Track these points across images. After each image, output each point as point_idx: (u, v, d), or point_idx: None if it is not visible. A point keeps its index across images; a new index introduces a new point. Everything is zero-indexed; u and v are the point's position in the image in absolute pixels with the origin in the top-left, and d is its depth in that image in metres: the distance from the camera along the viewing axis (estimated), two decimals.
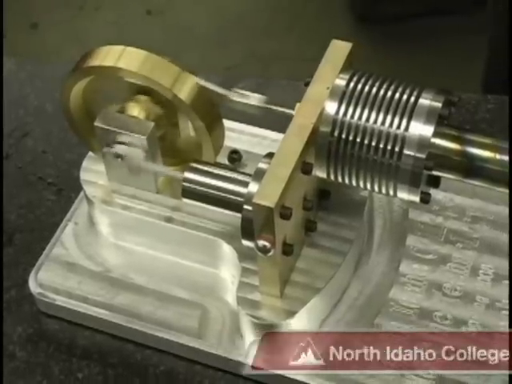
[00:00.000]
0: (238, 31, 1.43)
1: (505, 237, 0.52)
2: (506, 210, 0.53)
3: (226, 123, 0.54)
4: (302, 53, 1.43)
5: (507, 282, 0.50)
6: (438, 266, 0.52)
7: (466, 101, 0.60)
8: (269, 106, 0.49)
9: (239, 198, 0.47)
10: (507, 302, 0.50)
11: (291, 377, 0.48)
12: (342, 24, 1.39)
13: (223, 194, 0.48)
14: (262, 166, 0.46)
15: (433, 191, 0.49)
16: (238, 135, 0.56)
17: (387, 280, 0.51)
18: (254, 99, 0.49)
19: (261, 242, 0.45)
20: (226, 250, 0.50)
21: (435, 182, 0.48)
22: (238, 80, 0.63)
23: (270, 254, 0.45)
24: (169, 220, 0.51)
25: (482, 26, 1.09)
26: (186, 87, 0.48)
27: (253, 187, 0.46)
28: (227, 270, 0.51)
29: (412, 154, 0.45)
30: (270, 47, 1.38)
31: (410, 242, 0.53)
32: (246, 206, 0.46)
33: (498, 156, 0.45)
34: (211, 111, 0.49)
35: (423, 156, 0.45)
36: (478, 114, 0.59)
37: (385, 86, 0.46)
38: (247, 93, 0.49)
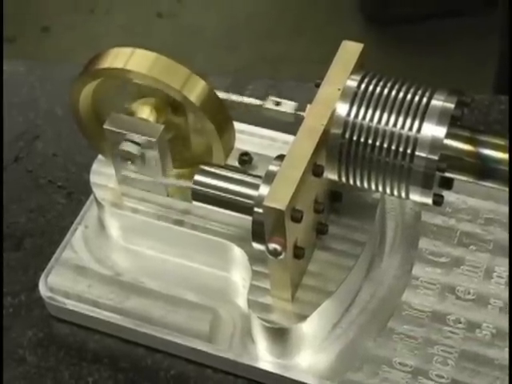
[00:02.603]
0: (247, 33, 1.43)
1: None
2: None
3: (236, 125, 0.53)
4: (311, 55, 1.42)
5: None
6: (451, 268, 0.51)
7: (478, 102, 0.59)
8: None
9: (250, 201, 0.46)
10: None
11: (304, 381, 0.48)
12: (351, 25, 1.38)
13: (234, 197, 0.47)
14: (272, 168, 0.46)
15: (445, 193, 0.48)
16: (248, 137, 0.55)
17: (400, 283, 0.51)
18: (284, 105, 0.48)
19: (272, 245, 0.44)
20: (237, 253, 0.50)
21: (448, 184, 0.47)
22: (247, 82, 0.62)
23: (281, 257, 0.44)
24: (179, 223, 0.51)
25: (494, 27, 1.08)
26: (196, 89, 0.47)
27: (263, 190, 0.45)
28: (238, 274, 0.50)
29: (424, 155, 0.44)
30: (279, 49, 1.38)
31: (422, 245, 0.52)
32: (256, 209, 0.45)
33: None
34: (221, 113, 0.48)
35: (436, 157, 0.44)
36: (490, 115, 0.59)
37: (396, 87, 0.46)
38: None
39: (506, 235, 0.52)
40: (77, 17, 1.43)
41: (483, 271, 0.51)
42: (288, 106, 0.48)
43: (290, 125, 0.49)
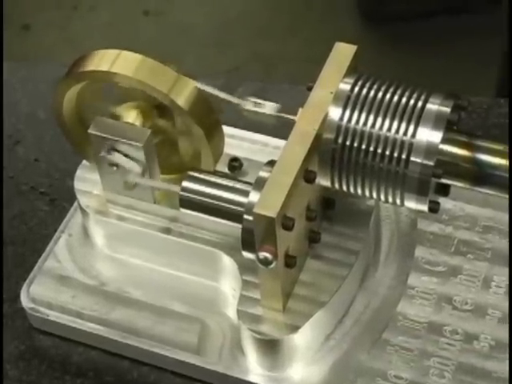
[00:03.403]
0: (239, 32, 1.44)
1: None
2: None
3: (226, 130, 0.55)
4: (306, 54, 1.43)
5: None
6: (448, 278, 0.52)
7: (477, 105, 0.60)
8: (268, 112, 0.49)
9: (239, 208, 0.47)
10: None
11: None
12: (347, 24, 1.40)
13: (223, 204, 0.48)
14: (263, 174, 0.47)
15: (442, 200, 0.49)
16: (238, 142, 0.56)
17: (395, 293, 0.52)
18: (264, 106, 0.49)
19: (262, 254, 0.45)
20: (227, 262, 0.51)
21: (444, 191, 0.48)
22: (238, 84, 0.63)
23: (272, 266, 0.45)
24: (166, 231, 0.52)
25: (497, 25, 1.09)
26: (184, 92, 0.48)
27: (253, 196, 0.46)
28: (228, 283, 0.52)
29: (419, 161, 0.45)
30: (273, 49, 1.39)
31: (418, 254, 0.53)
32: (246, 216, 0.46)
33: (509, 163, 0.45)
34: (210, 117, 0.49)
35: (431, 163, 0.45)
36: (489, 118, 0.60)
37: (391, 91, 0.47)
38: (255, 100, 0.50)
39: (504, 243, 0.53)
40: (59, 14, 1.44)
41: (481, 281, 0.52)
42: (269, 108, 0.49)
43: (282, 129, 0.50)
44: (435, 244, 0.53)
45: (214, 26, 1.46)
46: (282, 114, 0.50)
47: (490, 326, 0.50)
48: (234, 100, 0.50)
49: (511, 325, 0.50)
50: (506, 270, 0.52)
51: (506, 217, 0.54)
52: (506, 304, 0.51)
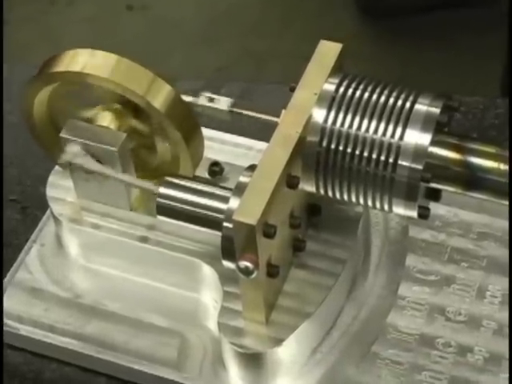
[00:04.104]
0: (229, 28, 1.45)
1: None
2: None
3: (207, 133, 0.56)
4: (301, 51, 1.44)
5: None
6: (440, 287, 0.53)
7: (472, 105, 0.62)
8: (251, 114, 0.51)
9: (219, 215, 0.49)
10: None
11: None
12: (344, 18, 1.41)
13: (202, 211, 0.49)
14: (243, 179, 0.48)
15: (434, 206, 0.50)
16: (220, 146, 0.58)
17: (385, 304, 0.53)
18: (223, 104, 0.51)
19: (243, 263, 0.46)
20: (207, 272, 0.52)
21: (435, 196, 0.49)
22: (221, 85, 0.64)
23: (253, 275, 0.46)
24: (144, 240, 0.53)
25: (497, 19, 1.11)
26: (160, 94, 0.49)
27: (233, 203, 0.47)
28: (208, 295, 0.53)
29: (408, 164, 0.46)
30: (265, 45, 1.40)
31: (410, 262, 0.54)
32: (226, 224, 0.47)
33: (501, 166, 0.46)
34: (188, 120, 0.50)
35: (420, 167, 0.46)
36: (486, 119, 0.61)
37: (378, 91, 0.48)
38: (225, 99, 0.51)
39: (500, 251, 0.54)
40: (35, 8, 1.45)
41: (475, 290, 0.53)
42: (222, 103, 0.50)
43: (268, 132, 0.51)
44: (427, 252, 0.55)
45: (201, 21, 1.47)
46: (264, 116, 0.52)
47: (484, 337, 0.51)
48: (188, 98, 0.51)
49: (511, 325, 0.51)
50: (502, 279, 0.53)
51: (502, 223, 0.55)
52: (502, 315, 0.52)
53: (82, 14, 1.46)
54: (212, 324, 0.52)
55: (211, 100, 0.52)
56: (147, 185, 0.51)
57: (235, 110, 0.52)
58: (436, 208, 0.54)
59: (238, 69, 1.39)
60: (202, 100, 0.52)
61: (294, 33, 1.42)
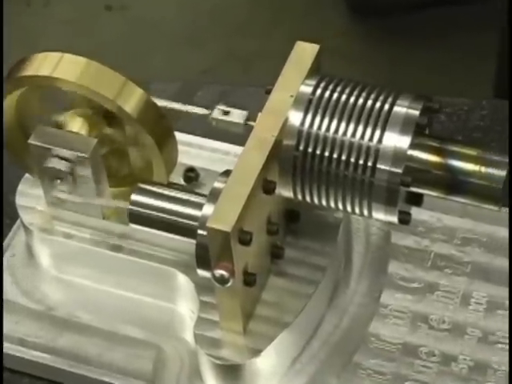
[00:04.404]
0: (214, 28, 1.46)
1: (499, 260, 0.55)
2: (501, 231, 0.56)
3: (183, 137, 0.57)
4: (288, 52, 1.46)
5: (502, 311, 0.53)
6: (423, 295, 0.54)
7: (457, 106, 0.63)
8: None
9: (193, 222, 0.49)
10: (502, 334, 0.52)
11: None
12: (332, 17, 1.42)
13: (175, 218, 0.50)
14: (217, 185, 0.49)
15: (417, 211, 0.51)
16: (197, 151, 0.59)
17: (367, 312, 0.54)
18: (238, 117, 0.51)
19: (218, 272, 0.47)
20: (182, 281, 0.53)
21: (417, 200, 0.50)
22: (197, 88, 0.65)
23: (229, 284, 0.47)
24: (117, 249, 0.54)
25: (490, 17, 1.12)
26: (132, 98, 0.50)
27: (207, 209, 0.48)
28: (184, 305, 0.54)
29: (387, 168, 0.48)
30: (251, 46, 1.41)
31: (392, 269, 0.55)
32: (200, 231, 0.48)
33: (483, 169, 0.47)
34: (161, 125, 0.51)
35: (399, 170, 0.47)
36: (470, 121, 0.62)
37: (356, 93, 0.49)
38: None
39: (485, 257, 0.55)
40: (10, 9, 1.46)
41: (460, 297, 0.54)
42: (237, 116, 0.51)
43: (245, 137, 0.52)
44: (410, 258, 0.56)
45: (184, 21, 1.48)
46: (250, 123, 0.53)
47: (469, 346, 0.52)
48: (202, 111, 0.52)
49: (511, 326, 0.52)
50: (487, 285, 0.54)
51: (487, 227, 0.56)
52: (487, 322, 0.53)
53: (58, 15, 1.47)
54: (188, 335, 0.53)
55: (226, 113, 0.52)
56: (120, 203, 0.52)
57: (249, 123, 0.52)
58: (419, 213, 0.55)
59: (223, 71, 1.39)
60: (216, 113, 0.52)
61: (281, 33, 1.43)
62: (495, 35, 1.10)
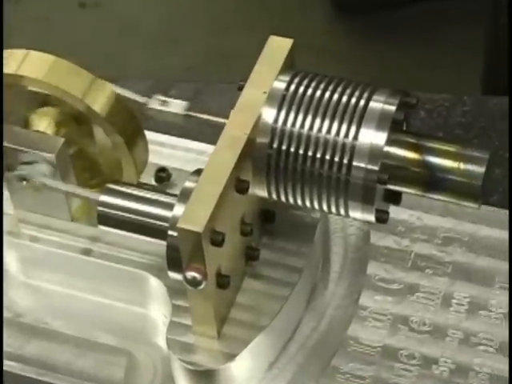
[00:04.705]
0: (193, 25, 1.47)
1: (481, 260, 0.56)
2: (483, 230, 0.57)
3: (156, 137, 0.58)
4: None
5: (484, 312, 0.54)
6: (404, 296, 0.55)
7: (438, 102, 0.64)
8: (196, 115, 0.52)
9: (163, 223, 0.50)
10: (484, 335, 0.54)
11: None
12: (316, 14, 1.44)
13: (145, 219, 0.51)
14: (188, 184, 0.50)
15: (397, 210, 0.52)
16: (170, 151, 0.60)
17: (345, 314, 0.55)
18: (178, 107, 0.52)
19: (190, 274, 0.48)
20: (155, 285, 0.54)
21: (395, 198, 0.51)
22: (170, 86, 0.66)
23: (201, 286, 0.48)
24: (87, 252, 0.55)
25: (479, 12, 1.13)
26: (100, 97, 0.51)
27: (178, 210, 0.49)
28: (157, 309, 0.54)
29: (363, 165, 0.48)
30: (231, 45, 1.42)
31: (371, 270, 0.56)
32: (170, 232, 0.49)
33: (462, 165, 0.48)
34: (131, 124, 0.52)
35: (376, 168, 0.48)
36: (451, 117, 0.63)
37: (331, 88, 0.50)
38: (173, 100, 0.53)
39: (467, 256, 0.56)
40: None
41: (441, 298, 0.55)
42: (176, 106, 0.52)
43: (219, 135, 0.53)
44: (390, 259, 0.57)
45: (162, 18, 1.49)
46: (213, 118, 0.54)
47: (450, 348, 0.53)
48: (140, 99, 0.53)
49: (511, 327, 0.54)
50: (468, 286, 0.55)
51: (469, 226, 0.57)
52: (468, 323, 0.54)
53: (30, 12, 1.47)
54: (161, 340, 0.54)
55: (164, 103, 0.54)
56: (88, 194, 0.52)
57: (190, 113, 0.54)
58: (398, 212, 0.56)
59: (202, 70, 1.40)
60: (154, 103, 0.54)
61: (263, 31, 1.43)
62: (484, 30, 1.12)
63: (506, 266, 0.56)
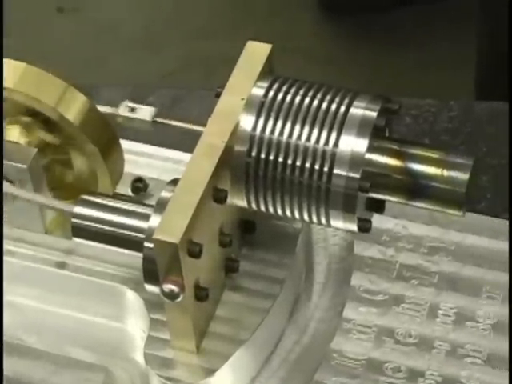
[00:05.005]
0: (173, 30, 1.48)
1: (468, 269, 0.57)
2: (469, 238, 0.58)
3: (133, 146, 0.59)
4: None
5: (471, 323, 0.56)
6: (389, 307, 0.56)
7: (424, 108, 0.65)
8: (174, 123, 0.54)
9: (139, 235, 0.51)
10: (471, 347, 0.55)
11: None
12: (302, 16, 1.45)
13: (121, 231, 0.52)
14: (165, 194, 0.51)
15: (381, 219, 0.53)
16: (147, 160, 0.61)
17: (329, 327, 0.56)
18: (147, 113, 0.54)
19: (167, 286, 0.49)
20: (132, 298, 0.55)
21: (378, 207, 0.52)
22: (148, 93, 0.68)
23: (179, 299, 0.49)
24: (62, 266, 0.56)
25: (469, 14, 1.14)
26: (74, 105, 0.52)
27: (154, 220, 0.50)
28: (134, 324, 0.55)
29: (344, 173, 0.49)
30: (214, 49, 1.43)
31: (355, 281, 0.57)
32: (146, 244, 0.50)
33: (445, 172, 0.50)
34: (106, 133, 0.53)
35: (357, 175, 0.49)
36: (438, 123, 0.65)
37: (310, 94, 0.51)
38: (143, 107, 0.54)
39: (453, 266, 0.58)
40: None
41: (427, 309, 0.56)
42: (144, 113, 0.53)
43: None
44: (374, 269, 0.58)
45: (141, 24, 1.50)
46: (191, 126, 0.55)
47: (436, 360, 0.54)
48: (108, 110, 0.54)
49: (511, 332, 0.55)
50: (455, 296, 0.56)
51: (455, 235, 0.58)
52: (455, 335, 0.55)
53: (6, 16, 1.48)
54: (139, 356, 0.54)
55: (133, 110, 0.55)
56: (62, 205, 0.53)
57: (159, 120, 0.55)
58: (383, 221, 0.58)
59: (182, 76, 1.41)
60: (123, 110, 0.55)
61: (246, 35, 1.44)
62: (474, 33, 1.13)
63: (493, 275, 0.57)
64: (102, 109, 0.54)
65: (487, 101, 0.72)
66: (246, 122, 0.51)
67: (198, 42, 1.47)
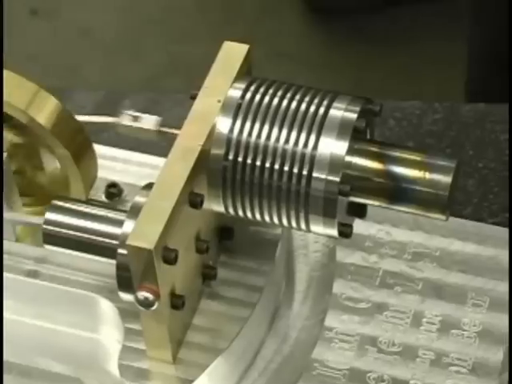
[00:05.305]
0: (155, 34, 1.49)
1: (453, 276, 0.58)
2: (454, 244, 0.59)
3: (108, 151, 0.60)
4: None
5: (456, 331, 0.57)
6: (372, 316, 0.57)
7: (408, 110, 0.66)
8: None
9: (113, 241, 0.52)
10: (456, 355, 0.56)
11: None
12: (290, 18, 1.46)
13: (94, 237, 0.53)
14: (138, 199, 0.52)
15: (365, 224, 0.55)
16: (122, 165, 0.62)
17: (310, 336, 0.57)
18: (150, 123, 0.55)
19: (141, 294, 0.50)
20: (105, 307, 0.55)
21: (360, 211, 0.53)
22: (123, 97, 0.69)
23: (154, 307, 0.50)
24: (32, 274, 0.56)
25: (466, 16, 1.16)
26: (45, 109, 0.53)
27: (128, 226, 0.51)
28: (109, 334, 0.56)
29: (323, 176, 0.50)
30: (196, 54, 1.44)
31: (337, 289, 0.58)
32: (120, 250, 0.51)
33: (427, 175, 0.50)
34: (78, 137, 0.54)
35: (337, 179, 0.50)
36: (422, 126, 0.66)
37: (289, 96, 0.52)
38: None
39: (438, 272, 0.59)
40: None
41: (411, 317, 0.57)
42: (148, 122, 0.55)
43: None
44: (357, 276, 0.59)
45: (121, 27, 1.50)
46: (166, 129, 0.56)
47: (421, 369, 0.55)
48: (110, 120, 0.55)
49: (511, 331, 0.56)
50: (440, 303, 0.58)
51: (440, 240, 0.60)
52: (440, 343, 0.56)
53: None
54: (114, 367, 0.55)
55: (136, 119, 0.55)
56: (33, 219, 0.54)
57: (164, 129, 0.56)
58: (366, 226, 0.59)
59: (165, 81, 1.42)
60: (125, 119, 0.56)
61: (232, 38, 1.45)
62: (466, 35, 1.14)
63: (478, 281, 0.58)
64: (103, 118, 0.55)
65: (478, 102, 0.73)
66: (223, 124, 0.52)
67: (179, 46, 1.48)
